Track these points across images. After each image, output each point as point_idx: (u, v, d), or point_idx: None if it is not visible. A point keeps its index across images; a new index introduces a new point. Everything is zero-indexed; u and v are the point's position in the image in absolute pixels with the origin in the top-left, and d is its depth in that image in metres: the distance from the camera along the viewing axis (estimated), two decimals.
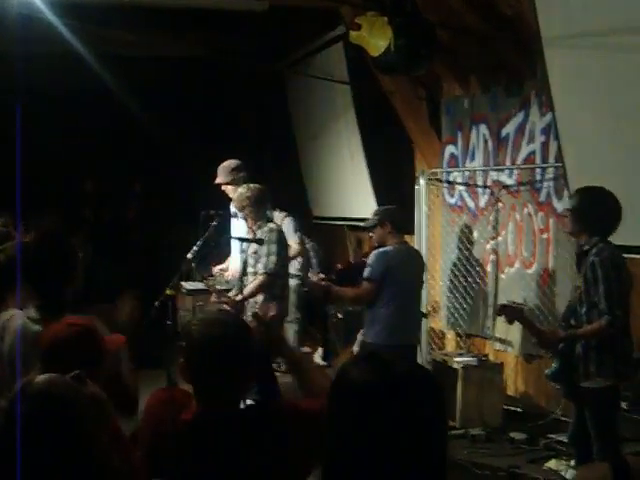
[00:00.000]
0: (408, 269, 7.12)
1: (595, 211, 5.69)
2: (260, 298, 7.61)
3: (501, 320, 8.58)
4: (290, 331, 10.03)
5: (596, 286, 5.50)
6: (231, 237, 8.37)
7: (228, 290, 8.00)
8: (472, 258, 9.32)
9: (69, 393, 2.37)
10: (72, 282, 4.03)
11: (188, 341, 3.07)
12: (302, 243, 10.02)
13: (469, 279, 9.30)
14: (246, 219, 7.74)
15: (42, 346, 3.40)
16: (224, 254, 8.77)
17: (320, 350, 11.08)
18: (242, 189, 7.72)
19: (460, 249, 9.53)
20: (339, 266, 11.34)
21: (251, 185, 7.76)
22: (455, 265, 9.57)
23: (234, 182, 8.21)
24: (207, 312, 3.50)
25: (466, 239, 9.44)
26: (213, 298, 8.09)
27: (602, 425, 5.69)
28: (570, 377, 5.73)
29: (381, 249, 7.11)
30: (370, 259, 7.09)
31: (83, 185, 12.74)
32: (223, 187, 8.35)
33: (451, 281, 9.65)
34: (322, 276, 7.45)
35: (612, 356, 5.61)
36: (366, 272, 7.02)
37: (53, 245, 4.06)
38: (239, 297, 7.52)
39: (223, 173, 8.38)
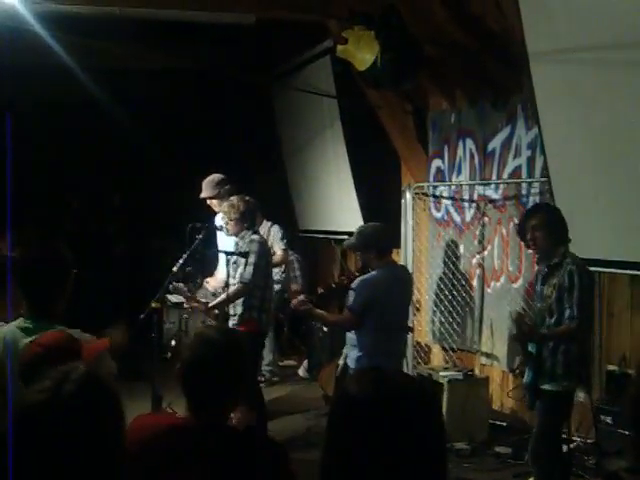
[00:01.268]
0: (393, 295, 6.82)
1: (561, 223, 5.93)
2: (239, 309, 7.61)
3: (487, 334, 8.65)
4: (267, 343, 9.97)
5: (570, 292, 5.70)
6: (217, 251, 8.36)
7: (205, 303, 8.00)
8: (458, 272, 9.33)
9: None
10: (66, 294, 4.03)
11: (184, 356, 3.22)
12: (286, 251, 10.15)
13: (455, 293, 9.31)
14: (227, 227, 7.75)
15: (20, 367, 3.44)
16: (213, 267, 8.76)
17: (305, 363, 11.07)
18: (235, 199, 7.74)
19: (446, 263, 9.53)
20: (320, 290, 11.35)
21: (246, 197, 7.78)
22: (441, 279, 9.57)
23: (219, 196, 8.21)
24: (205, 329, 3.61)
25: (452, 253, 9.45)
26: (185, 304, 8.12)
27: (551, 426, 5.94)
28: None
29: (365, 276, 6.90)
30: (353, 286, 6.84)
31: (69, 199, 12.70)
32: (208, 201, 8.35)
33: (437, 295, 9.65)
34: (303, 298, 7.32)
35: (577, 361, 5.86)
36: (348, 300, 6.85)
37: (50, 256, 4.06)
38: (211, 303, 7.59)
39: (208, 187, 8.38)
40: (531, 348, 5.93)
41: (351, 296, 6.83)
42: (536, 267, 8.04)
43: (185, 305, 8.17)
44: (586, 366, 6.12)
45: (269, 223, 10.11)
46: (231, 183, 8.39)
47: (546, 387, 5.80)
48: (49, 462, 2.13)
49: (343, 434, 1.99)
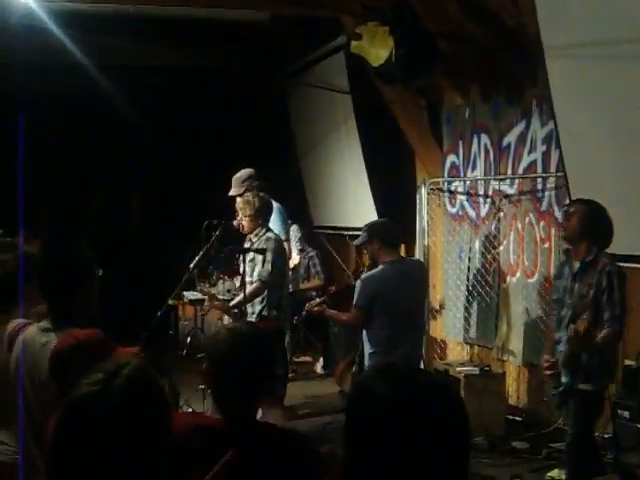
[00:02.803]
0: (401, 289, 6.82)
1: (601, 223, 5.84)
2: (257, 307, 7.60)
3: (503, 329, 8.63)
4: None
5: (611, 293, 5.66)
6: (234, 248, 8.33)
7: (228, 300, 8.00)
8: (473, 267, 9.32)
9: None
10: (89, 295, 3.99)
11: (215, 352, 3.16)
12: (302, 251, 10.17)
13: (471, 289, 9.30)
14: (241, 225, 7.72)
15: (50, 358, 3.42)
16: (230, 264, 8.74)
17: (321, 359, 11.09)
18: (249, 195, 7.72)
19: (461, 258, 9.53)
20: (332, 289, 11.38)
21: (261, 194, 7.76)
22: (457, 275, 9.57)
23: (247, 192, 8.10)
24: (234, 324, 3.58)
25: (467, 249, 9.44)
26: (206, 302, 8.11)
27: (588, 426, 5.93)
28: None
29: (369, 272, 6.99)
30: (357, 285, 6.93)
31: (91, 198, 12.71)
32: (238, 199, 8.29)
33: (452, 290, 9.65)
34: (317, 300, 7.38)
35: (612, 361, 5.89)
36: (354, 298, 6.89)
37: (67, 254, 4.03)
38: (232, 303, 7.57)
39: (236, 184, 8.32)
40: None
41: (356, 293, 6.88)
42: (552, 262, 8.11)
43: (206, 304, 8.16)
44: (616, 365, 6.11)
45: (289, 221, 10.12)
46: (261, 179, 8.33)
47: (583, 387, 5.76)
48: (95, 454, 2.13)
49: (364, 432, 1.97)
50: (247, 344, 3.12)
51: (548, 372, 6.02)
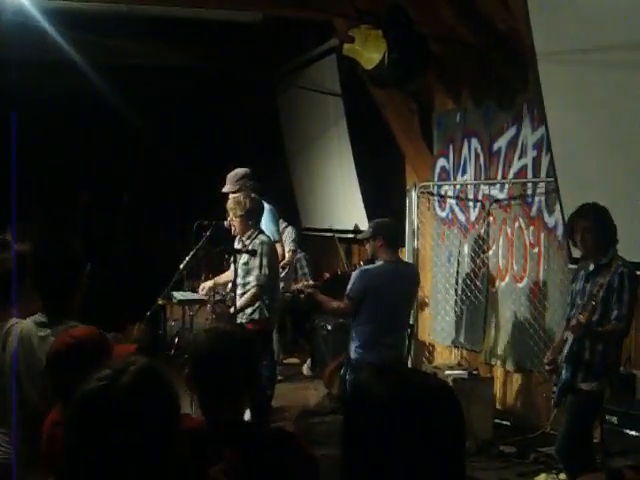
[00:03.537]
0: (392, 288, 6.92)
1: (610, 224, 5.92)
2: (248, 310, 7.59)
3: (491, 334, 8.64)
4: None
5: (620, 294, 5.74)
6: (225, 248, 8.31)
7: (223, 301, 7.98)
8: (462, 272, 9.33)
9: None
10: (79, 289, 4.03)
11: (196, 353, 3.14)
12: (295, 252, 10.19)
13: (459, 292, 9.31)
14: (232, 225, 7.70)
15: (48, 356, 3.43)
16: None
17: (308, 361, 11.08)
18: (241, 195, 7.71)
19: (450, 262, 9.54)
20: (326, 275, 11.39)
21: (252, 195, 7.75)
22: (445, 278, 9.58)
23: (241, 190, 8.11)
24: (215, 325, 3.55)
25: (457, 252, 9.45)
26: (208, 308, 8.08)
27: (583, 425, 5.96)
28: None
29: (365, 267, 7.08)
30: (353, 276, 7.02)
31: (80, 197, 12.69)
32: (229, 198, 8.28)
33: (441, 294, 9.66)
34: (310, 282, 7.43)
35: (613, 362, 5.92)
36: (347, 288, 6.97)
37: (61, 249, 4.06)
38: (232, 309, 7.54)
39: (230, 182, 8.33)
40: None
41: (350, 283, 6.96)
42: (541, 267, 8.13)
43: (214, 308, 8.15)
44: (618, 368, 6.15)
45: (284, 223, 10.15)
46: (255, 179, 8.32)
47: (582, 386, 5.83)
48: (101, 448, 2.13)
49: (361, 432, 1.97)
50: (226, 344, 3.09)
51: (548, 368, 6.10)
